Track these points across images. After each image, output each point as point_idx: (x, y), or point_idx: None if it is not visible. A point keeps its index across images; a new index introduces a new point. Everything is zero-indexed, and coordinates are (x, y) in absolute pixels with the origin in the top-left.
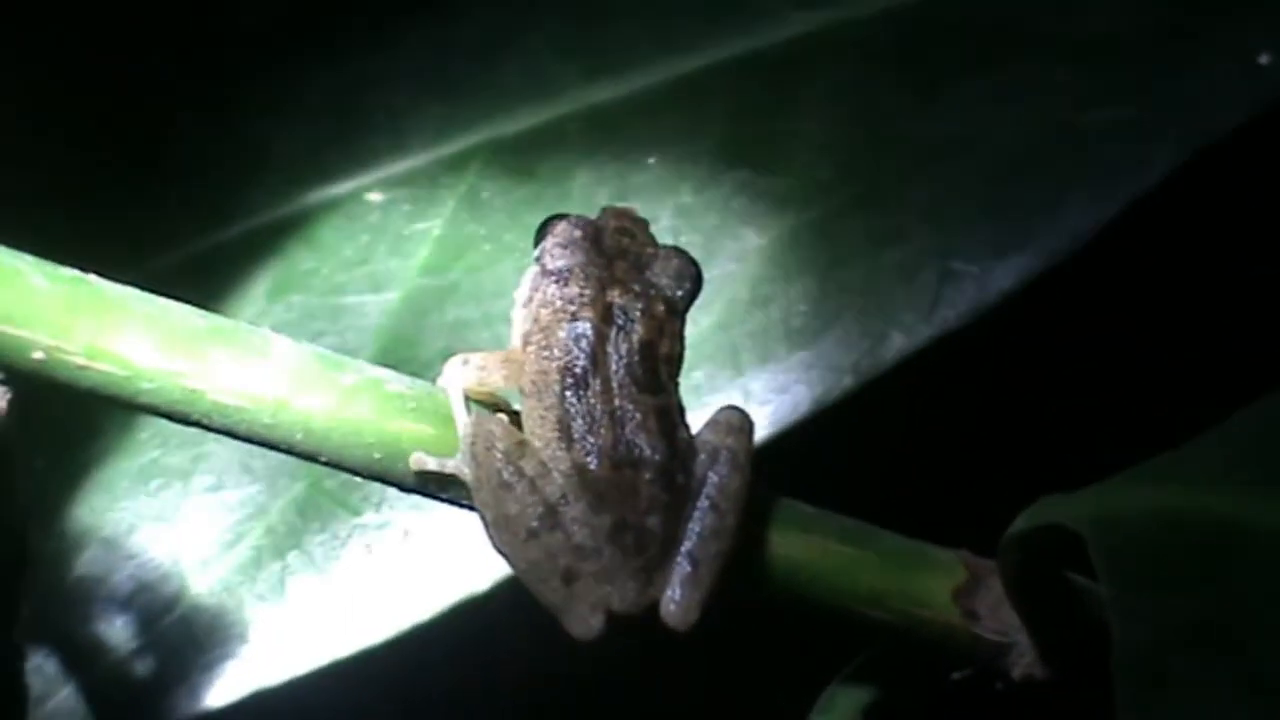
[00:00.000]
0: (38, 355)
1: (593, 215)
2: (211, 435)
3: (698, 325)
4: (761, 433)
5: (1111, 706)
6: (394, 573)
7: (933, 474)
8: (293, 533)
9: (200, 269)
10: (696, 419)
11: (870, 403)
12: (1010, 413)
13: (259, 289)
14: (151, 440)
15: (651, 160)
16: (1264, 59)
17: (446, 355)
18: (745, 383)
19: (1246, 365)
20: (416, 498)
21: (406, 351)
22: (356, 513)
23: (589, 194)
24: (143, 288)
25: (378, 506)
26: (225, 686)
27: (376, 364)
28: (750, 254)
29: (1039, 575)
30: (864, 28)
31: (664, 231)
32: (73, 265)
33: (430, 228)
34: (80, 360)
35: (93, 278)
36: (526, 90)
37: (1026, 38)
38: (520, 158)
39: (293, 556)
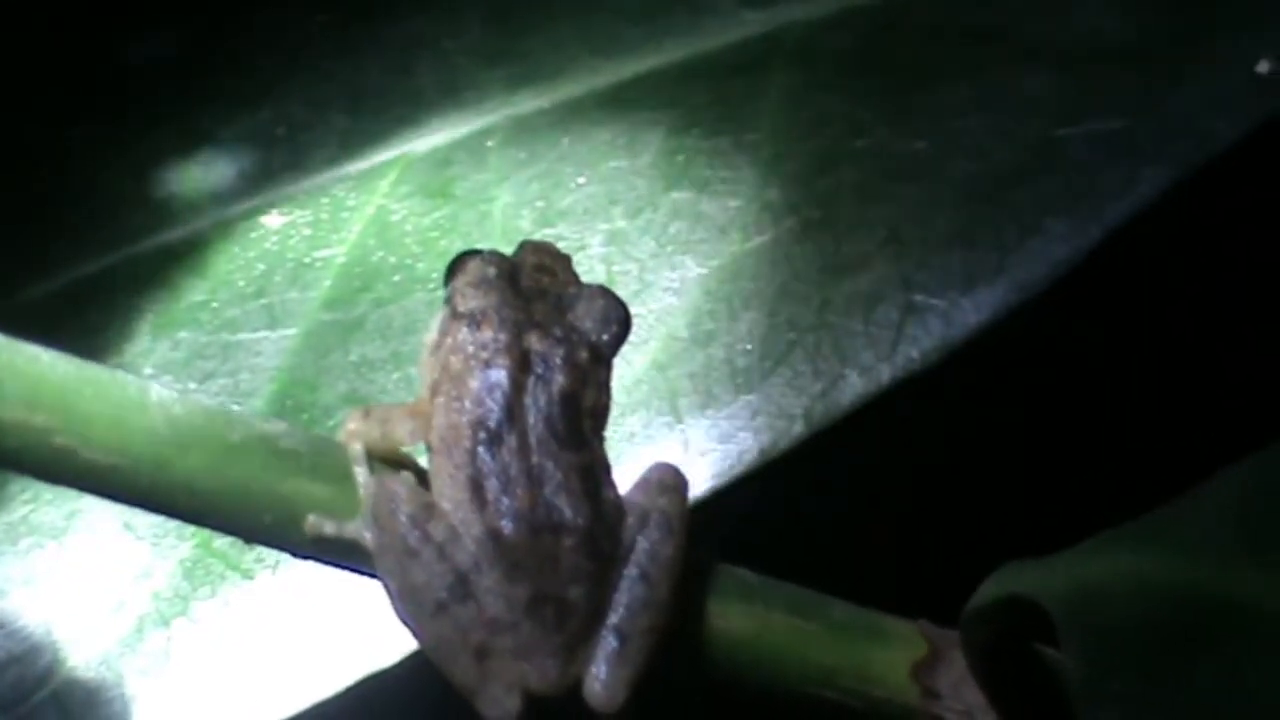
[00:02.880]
0: None
1: (510, 249)
2: None
3: (631, 366)
4: (700, 487)
5: None
6: (291, 644)
7: (889, 533)
8: (179, 598)
9: (77, 301)
10: (631, 471)
11: (822, 453)
12: (977, 464)
13: (143, 324)
14: (21, 494)
15: (581, 180)
16: (1263, 67)
17: (351, 399)
18: (684, 430)
19: (1235, 417)
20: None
21: (306, 395)
22: (249, 576)
23: (511, 217)
24: (12, 323)
25: (274, 569)
26: None
27: (272, 410)
28: (690, 285)
29: (1006, 650)
30: (822, 29)
31: (595, 260)
32: None
33: (334, 255)
34: None
35: None
36: (442, 100)
37: (1004, 43)
38: (435, 176)
39: (179, 625)
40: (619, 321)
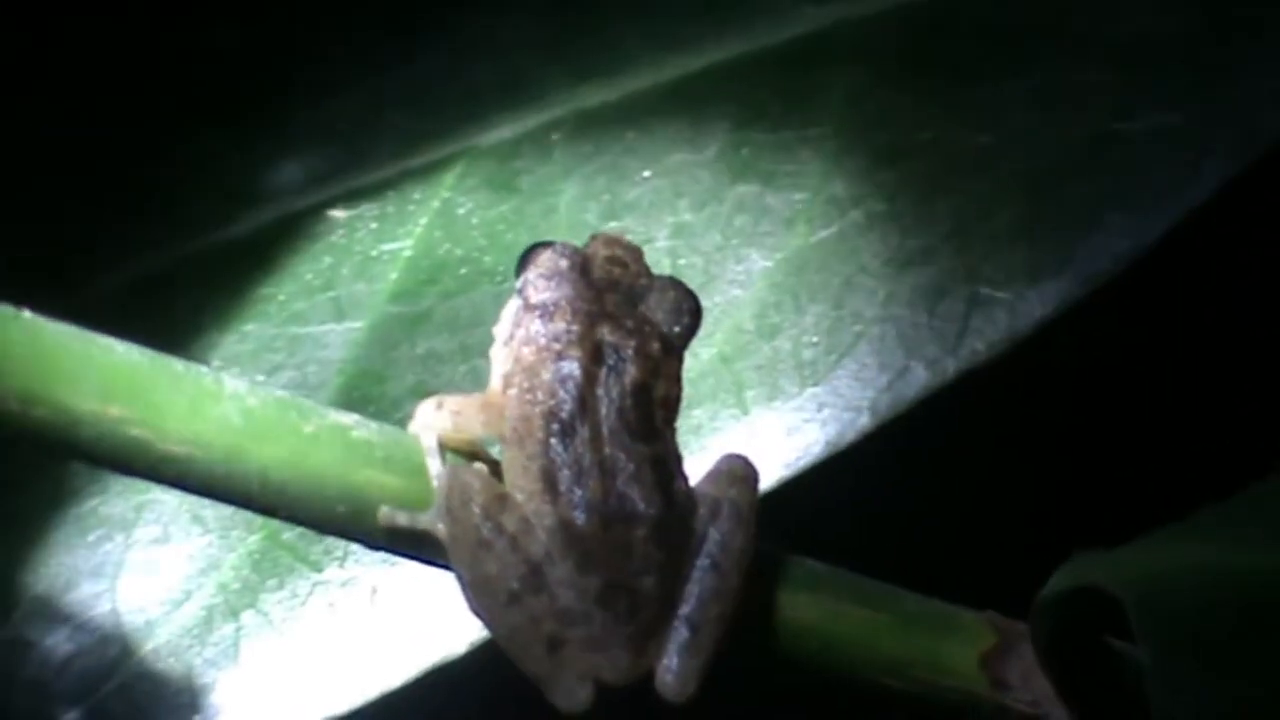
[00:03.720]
0: None
1: (581, 240)
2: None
3: (698, 358)
4: (768, 479)
5: None
6: (360, 635)
7: (958, 526)
8: (248, 590)
9: (145, 295)
10: (697, 463)
11: (889, 445)
12: (1045, 456)
13: (210, 317)
14: (90, 487)
15: (646, 173)
16: None
17: (418, 392)
18: (750, 422)
19: None
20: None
21: (373, 388)
22: (318, 568)
23: (577, 210)
24: (81, 316)
25: (342, 561)
26: None
27: (339, 402)
28: (756, 278)
29: (1075, 640)
30: (883, 24)
31: (660, 253)
32: (2, 294)
33: (400, 248)
34: (13, 406)
35: (26, 314)
36: (507, 94)
37: (1062, 37)
38: (500, 169)
39: (247, 616)
40: (690, 313)
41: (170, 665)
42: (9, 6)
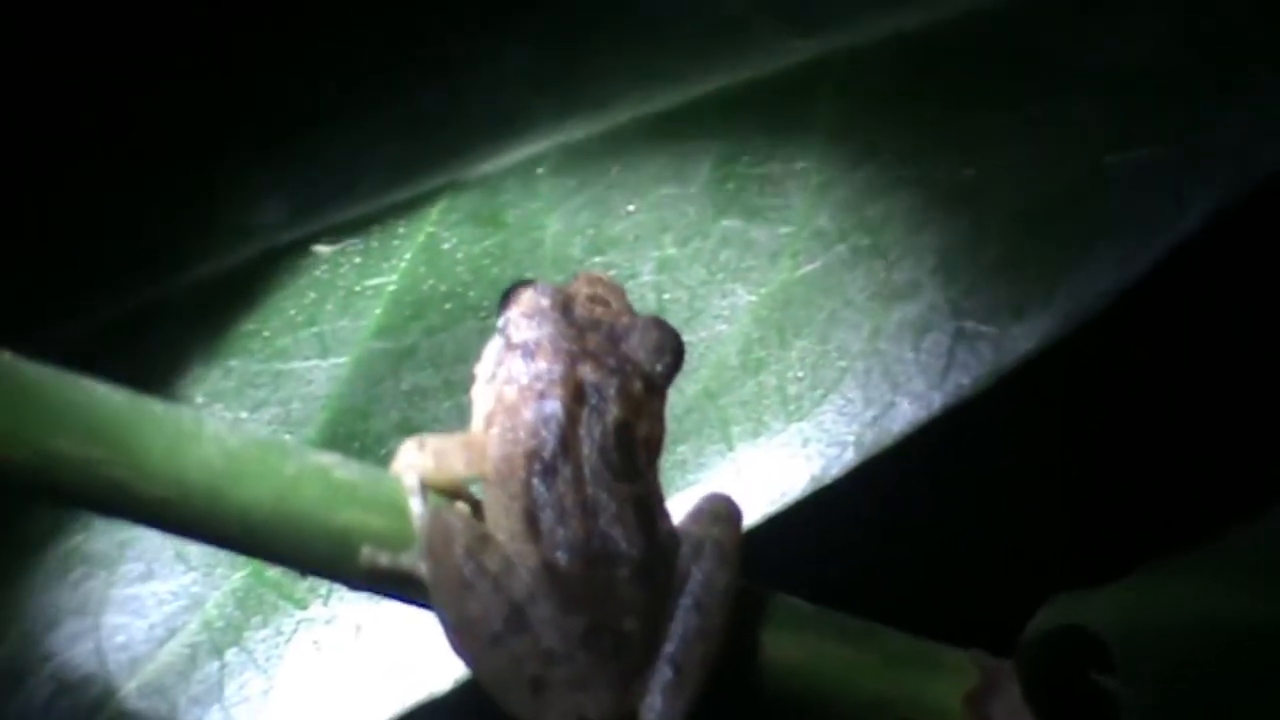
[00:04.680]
0: None
1: (566, 274)
2: None
3: (682, 394)
4: (752, 515)
5: None
6: (344, 673)
7: (942, 564)
8: (232, 628)
9: (128, 330)
10: (682, 499)
11: (873, 480)
12: (1029, 492)
13: (194, 352)
14: (73, 524)
15: (631, 208)
16: None
17: (402, 428)
18: (735, 458)
19: None
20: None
21: (358, 424)
22: (302, 606)
23: (562, 245)
24: (62, 353)
25: (326, 599)
26: None
27: (324, 438)
28: (741, 313)
29: (1061, 679)
30: (869, 57)
31: (645, 288)
32: None
33: (384, 283)
34: None
35: (6, 355)
36: (492, 127)
37: (1049, 70)
38: (485, 203)
39: (231, 654)
40: (673, 352)
41: (154, 703)
42: None
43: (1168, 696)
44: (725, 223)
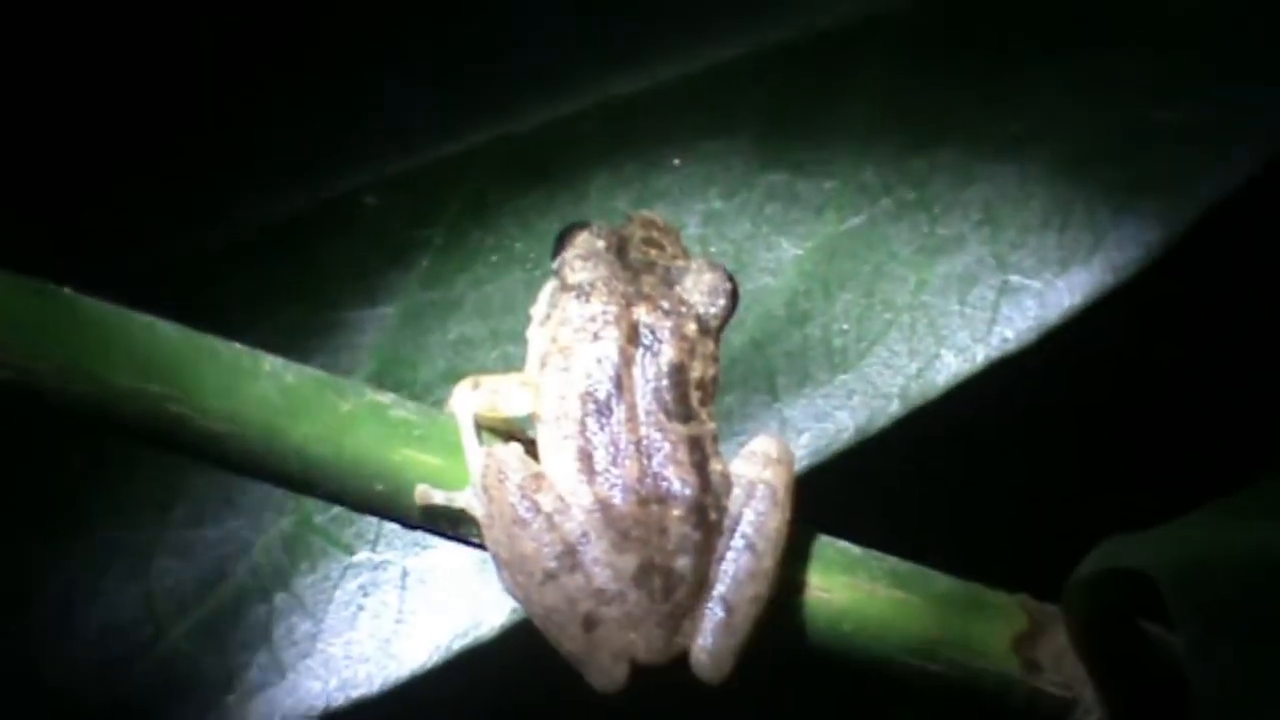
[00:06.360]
0: (4, 375)
1: (615, 223)
2: (189, 463)
3: (729, 345)
4: (798, 464)
5: None
6: (392, 617)
7: (989, 509)
8: (279, 573)
9: (178, 279)
10: (728, 449)
11: (919, 430)
12: (1075, 441)
13: (243, 301)
14: (123, 469)
15: (677, 161)
16: None
17: (449, 377)
18: (781, 409)
19: None
20: (416, 535)
21: (405, 373)
22: (350, 551)
23: (607, 198)
24: (116, 297)
25: (373, 545)
26: None
27: (371, 387)
28: (786, 265)
29: (1108, 623)
30: (914, 11)
31: (691, 240)
32: (41, 268)
33: (431, 235)
34: (53, 381)
35: (67, 292)
36: (538, 81)
37: (1094, 24)
38: (531, 157)
39: (280, 599)
40: (727, 294)
41: (202, 646)
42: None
43: (1217, 634)
44: (770, 176)
